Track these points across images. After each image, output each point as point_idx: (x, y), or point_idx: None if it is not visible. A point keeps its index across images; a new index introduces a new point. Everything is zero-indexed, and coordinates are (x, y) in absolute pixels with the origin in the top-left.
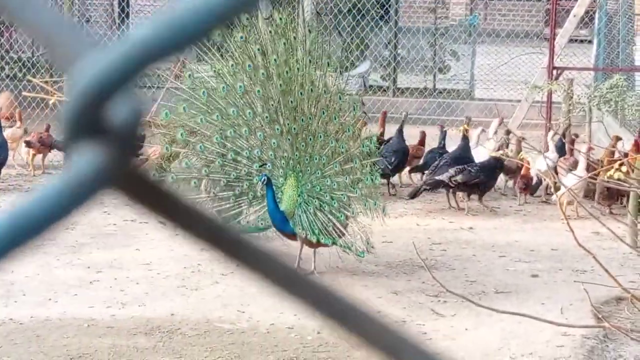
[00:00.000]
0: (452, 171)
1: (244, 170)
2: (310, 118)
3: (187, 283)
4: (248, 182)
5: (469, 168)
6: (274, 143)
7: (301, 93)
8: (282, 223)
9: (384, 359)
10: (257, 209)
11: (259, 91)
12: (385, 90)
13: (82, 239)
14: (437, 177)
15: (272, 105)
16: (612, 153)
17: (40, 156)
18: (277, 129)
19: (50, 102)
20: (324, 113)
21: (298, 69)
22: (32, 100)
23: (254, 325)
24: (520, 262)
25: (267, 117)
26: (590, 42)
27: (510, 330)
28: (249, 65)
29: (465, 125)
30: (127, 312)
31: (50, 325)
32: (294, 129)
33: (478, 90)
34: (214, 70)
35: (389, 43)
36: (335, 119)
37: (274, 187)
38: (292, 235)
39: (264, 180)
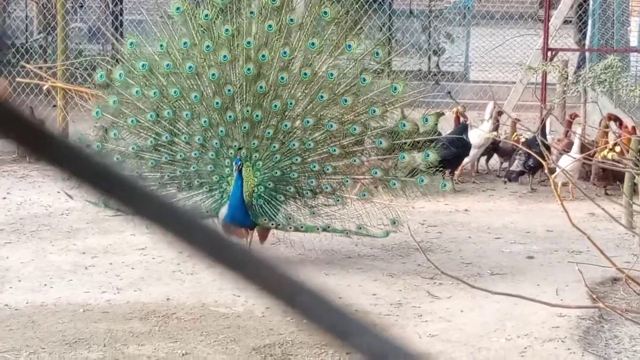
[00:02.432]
0: (523, 157)
1: (180, 155)
2: (291, 104)
3: (183, 267)
4: (183, 168)
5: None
6: (221, 131)
7: (282, 78)
8: (244, 215)
9: (337, 343)
10: (187, 195)
11: (213, 75)
12: (379, 73)
13: (77, 224)
14: (515, 169)
15: (229, 90)
16: (606, 134)
17: None
18: (229, 117)
19: (44, 87)
20: (322, 97)
21: (285, 52)
22: (26, 86)
23: (250, 309)
24: (515, 244)
25: (218, 103)
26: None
27: (506, 311)
28: (208, 47)
29: (459, 107)
30: (123, 297)
31: (46, 310)
32: (257, 116)
33: (473, 73)
34: (161, 45)
35: (383, 26)
36: (345, 102)
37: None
38: (246, 229)
39: (240, 165)
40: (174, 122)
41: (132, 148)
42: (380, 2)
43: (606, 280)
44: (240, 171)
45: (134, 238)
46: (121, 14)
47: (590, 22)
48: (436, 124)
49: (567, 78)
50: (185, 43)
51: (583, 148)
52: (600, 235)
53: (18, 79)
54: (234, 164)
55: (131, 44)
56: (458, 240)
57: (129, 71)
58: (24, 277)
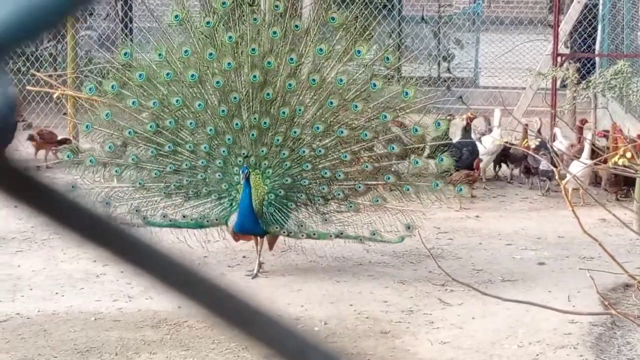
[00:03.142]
0: (549, 155)
1: (186, 164)
2: (300, 110)
3: None
4: (189, 177)
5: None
6: (228, 139)
7: (290, 85)
8: (254, 223)
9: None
10: (194, 204)
11: (218, 82)
12: (390, 79)
13: None
14: (548, 168)
15: (235, 98)
16: (617, 139)
17: (43, 151)
18: (236, 125)
19: (54, 96)
20: (331, 103)
21: (292, 59)
22: (36, 95)
23: None
24: (526, 250)
25: (223, 111)
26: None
27: (518, 318)
28: (210, 54)
29: (470, 114)
30: (134, 305)
31: (57, 319)
32: (265, 123)
33: (482, 79)
34: (159, 54)
35: (392, 32)
36: (355, 107)
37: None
38: (256, 236)
39: (247, 173)
40: (177, 131)
41: (132, 159)
42: (389, 9)
43: (618, 287)
44: (248, 179)
45: None
46: (131, 22)
47: (600, 27)
48: (448, 129)
49: (577, 84)
50: (186, 51)
51: (594, 154)
52: (612, 241)
53: (28, 87)
54: (241, 172)
55: (125, 54)
56: (469, 246)
57: (123, 82)
58: (35, 285)
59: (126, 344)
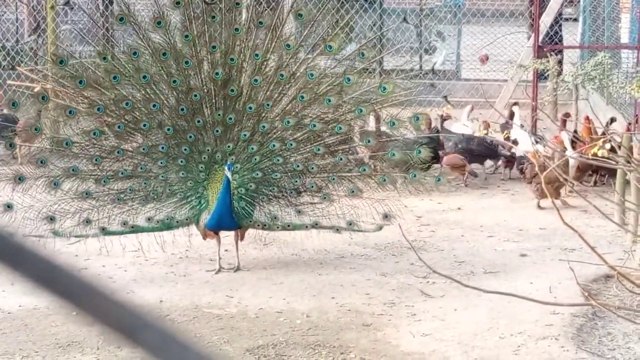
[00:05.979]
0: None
1: (141, 168)
2: (268, 105)
3: (176, 269)
4: (146, 180)
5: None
6: (190, 137)
7: (256, 80)
8: (230, 219)
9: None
10: (157, 206)
11: (175, 81)
12: (370, 72)
13: None
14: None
15: (196, 96)
16: (589, 130)
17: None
18: (198, 122)
19: (35, 90)
20: (302, 97)
21: (257, 55)
22: (17, 89)
23: (243, 310)
24: (508, 242)
25: (183, 109)
26: (575, 20)
27: (499, 310)
28: (164, 54)
29: (446, 107)
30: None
31: (39, 314)
32: (230, 119)
33: (464, 71)
34: (103, 58)
35: (374, 25)
36: (329, 101)
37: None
38: (229, 231)
39: (233, 169)
40: (125, 135)
41: (72, 170)
42: (370, 2)
43: (599, 278)
44: (227, 176)
45: (127, 240)
46: (112, 15)
47: (581, 19)
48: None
49: (558, 75)
50: (135, 53)
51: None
52: (593, 232)
53: (9, 82)
54: (226, 168)
55: (61, 62)
56: (451, 238)
57: (56, 92)
58: (16, 280)
59: (107, 338)
